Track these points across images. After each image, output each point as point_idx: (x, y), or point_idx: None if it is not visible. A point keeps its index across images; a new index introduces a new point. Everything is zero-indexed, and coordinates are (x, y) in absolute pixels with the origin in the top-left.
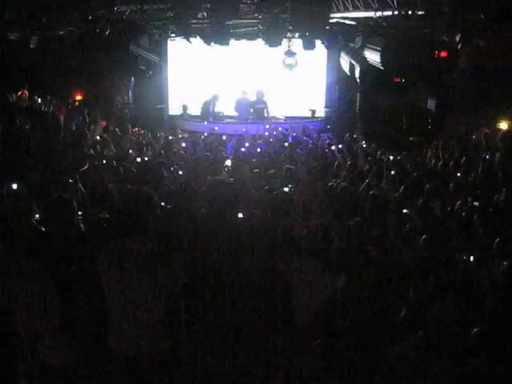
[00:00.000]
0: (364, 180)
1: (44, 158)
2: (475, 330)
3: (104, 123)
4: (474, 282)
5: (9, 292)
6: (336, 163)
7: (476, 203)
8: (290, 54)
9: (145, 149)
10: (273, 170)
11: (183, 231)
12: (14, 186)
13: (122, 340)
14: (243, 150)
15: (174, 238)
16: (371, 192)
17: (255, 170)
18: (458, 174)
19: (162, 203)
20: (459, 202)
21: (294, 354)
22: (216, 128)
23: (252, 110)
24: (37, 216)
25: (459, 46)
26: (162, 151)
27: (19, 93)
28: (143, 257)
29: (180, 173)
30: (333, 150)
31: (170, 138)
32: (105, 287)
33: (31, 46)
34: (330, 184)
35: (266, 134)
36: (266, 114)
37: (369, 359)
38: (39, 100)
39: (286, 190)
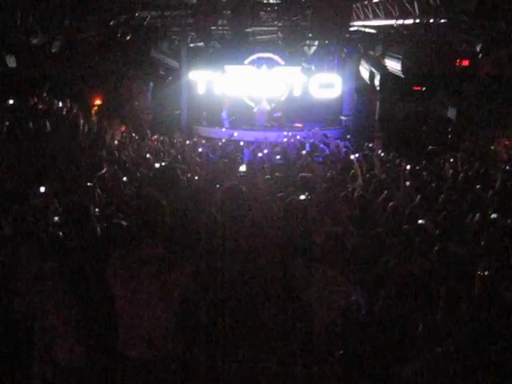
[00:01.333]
0: (380, 189)
1: (63, 161)
2: (495, 346)
3: (123, 127)
4: (492, 296)
5: (26, 294)
6: (352, 172)
7: (494, 215)
8: (308, 61)
9: (162, 154)
10: (288, 177)
11: (196, 237)
12: (42, 189)
13: (133, 344)
14: (260, 155)
15: (187, 243)
16: (391, 204)
17: (267, 176)
18: (477, 186)
19: (177, 208)
20: (477, 214)
21: (310, 363)
22: (236, 134)
23: (269, 118)
24: (56, 219)
25: (480, 56)
26: (179, 156)
27: (40, 96)
28: (154, 262)
29: (196, 178)
30: (351, 159)
31: (188, 142)
32: (116, 291)
33: (53, 51)
34: (343, 194)
35: (285, 140)
36: (284, 122)
37: (385, 374)
38: (59, 104)
39: (303, 197)
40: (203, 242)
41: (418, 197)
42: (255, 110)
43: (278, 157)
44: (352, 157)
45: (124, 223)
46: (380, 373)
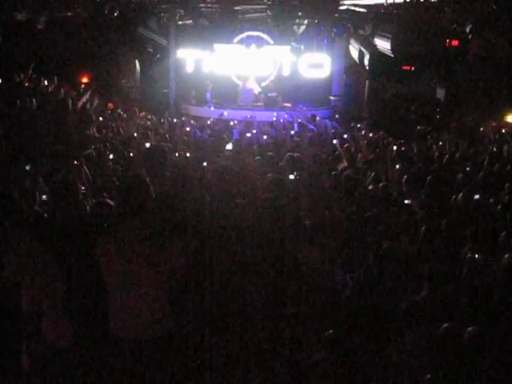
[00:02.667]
0: (367, 170)
1: (50, 139)
2: (470, 328)
3: (110, 105)
4: (478, 277)
5: (13, 273)
6: (337, 153)
7: (477, 196)
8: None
9: (149, 133)
10: (276, 157)
11: (185, 216)
12: (27, 168)
13: (122, 323)
14: (249, 135)
15: (176, 223)
16: (380, 184)
17: (257, 158)
18: (465, 167)
19: (165, 188)
20: (463, 194)
21: (299, 343)
22: (225, 113)
23: (258, 98)
24: (44, 197)
25: (470, 36)
26: (167, 135)
27: (25, 73)
28: (144, 242)
29: (188, 155)
30: (334, 143)
31: (175, 121)
32: (105, 271)
33: (38, 27)
34: (333, 173)
35: (274, 119)
36: (279, 103)
37: (372, 353)
38: (45, 81)
39: (292, 177)
40: (192, 221)
41: (405, 177)
42: (240, 90)
43: (265, 137)
44: (334, 141)
45: (111, 202)
46: (366, 352)
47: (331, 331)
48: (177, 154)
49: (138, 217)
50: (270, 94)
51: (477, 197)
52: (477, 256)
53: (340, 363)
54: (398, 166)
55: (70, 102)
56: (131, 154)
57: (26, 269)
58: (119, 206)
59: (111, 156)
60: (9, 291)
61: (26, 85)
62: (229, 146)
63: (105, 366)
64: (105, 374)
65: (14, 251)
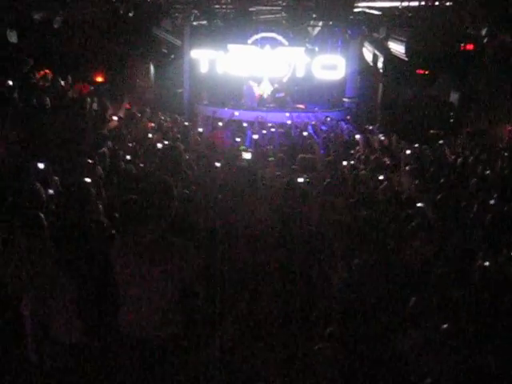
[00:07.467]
0: (380, 172)
1: (66, 138)
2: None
3: (127, 104)
4: (487, 279)
5: (24, 272)
6: (357, 156)
7: (492, 201)
8: (311, 41)
9: (164, 133)
10: (289, 159)
11: (200, 220)
12: (41, 166)
13: (132, 322)
14: (256, 137)
15: (191, 226)
16: (392, 187)
17: (270, 159)
18: (478, 171)
19: (182, 190)
20: (477, 198)
21: (308, 342)
22: (237, 113)
23: (270, 100)
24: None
25: (485, 40)
26: (179, 136)
27: (42, 73)
28: (158, 246)
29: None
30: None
31: (187, 123)
32: (118, 271)
33: (55, 27)
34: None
35: (289, 122)
36: (288, 103)
37: (378, 349)
38: (61, 82)
39: (301, 180)
40: (205, 223)
41: (417, 181)
42: (245, 92)
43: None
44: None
45: (131, 199)
46: (375, 344)
47: (335, 327)
48: (189, 156)
49: (156, 220)
50: (277, 95)
51: (491, 202)
52: (487, 263)
53: (344, 356)
54: (410, 169)
55: (88, 101)
56: (146, 154)
57: (31, 267)
58: (142, 208)
59: (128, 156)
60: (14, 289)
61: (42, 84)
62: (247, 156)
63: (113, 363)
64: (113, 372)
65: (18, 249)
